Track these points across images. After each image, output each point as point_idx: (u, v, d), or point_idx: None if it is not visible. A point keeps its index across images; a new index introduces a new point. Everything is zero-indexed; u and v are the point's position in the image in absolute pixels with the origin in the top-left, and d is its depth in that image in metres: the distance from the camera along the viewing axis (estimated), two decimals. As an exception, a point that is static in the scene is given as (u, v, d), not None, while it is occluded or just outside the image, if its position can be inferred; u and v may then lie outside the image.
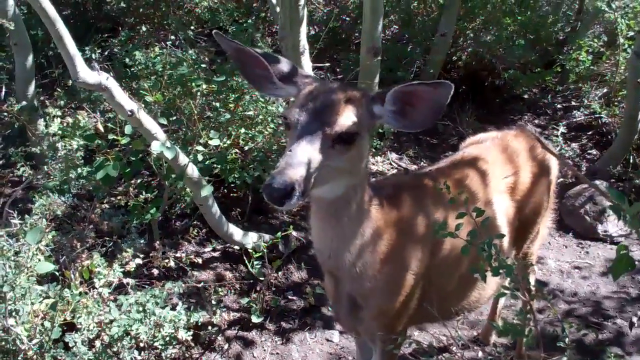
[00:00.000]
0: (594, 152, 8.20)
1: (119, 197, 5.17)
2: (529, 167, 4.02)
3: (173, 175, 4.87)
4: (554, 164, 4.29)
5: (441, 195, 3.17)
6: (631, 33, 7.91)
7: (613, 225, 6.78)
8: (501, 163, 3.94)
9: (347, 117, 2.76)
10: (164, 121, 4.81)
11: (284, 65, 3.11)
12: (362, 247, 3.12)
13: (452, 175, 3.70)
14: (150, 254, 4.91)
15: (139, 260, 4.45)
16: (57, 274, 4.20)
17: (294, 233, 5.72)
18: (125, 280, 4.35)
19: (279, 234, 5.28)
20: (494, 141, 4.14)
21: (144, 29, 7.76)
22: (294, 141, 2.69)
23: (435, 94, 2.73)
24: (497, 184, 3.83)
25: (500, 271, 2.65)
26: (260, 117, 5.91)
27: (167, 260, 4.92)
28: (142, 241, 5.17)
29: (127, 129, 4.58)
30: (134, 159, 4.79)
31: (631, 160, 7.49)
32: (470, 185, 3.69)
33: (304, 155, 2.62)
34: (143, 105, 4.77)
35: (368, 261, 3.16)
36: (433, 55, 8.65)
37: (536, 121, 8.97)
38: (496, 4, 8.88)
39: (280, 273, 5.74)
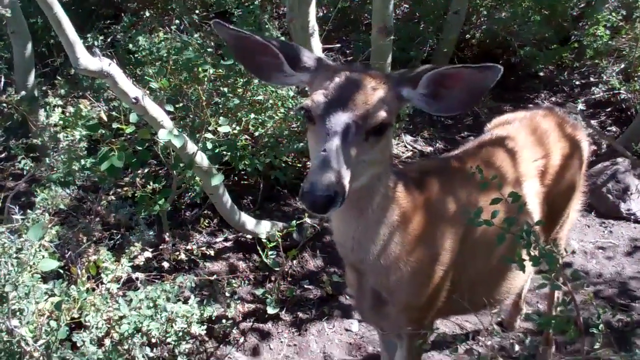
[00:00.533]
0: (613, 129, 7.97)
1: (125, 189, 4.96)
2: (559, 148, 3.81)
3: (181, 165, 4.67)
4: (585, 144, 4.10)
5: (469, 178, 3.00)
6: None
7: (637, 204, 6.56)
8: (531, 145, 3.73)
9: (379, 107, 2.53)
10: (170, 108, 4.62)
11: (293, 50, 2.84)
12: (387, 237, 2.92)
13: (480, 159, 3.51)
14: (160, 247, 4.71)
15: (148, 254, 4.25)
16: (61, 271, 4.01)
17: (309, 220, 5.50)
18: (134, 275, 4.15)
19: (293, 222, 5.05)
20: (522, 122, 3.94)
21: (147, 14, 7.51)
22: (324, 138, 2.44)
23: (479, 77, 2.53)
24: (527, 168, 3.63)
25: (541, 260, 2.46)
26: (270, 101, 5.70)
27: (177, 253, 4.72)
28: (151, 233, 5.01)
29: (132, 117, 4.39)
30: (140, 148, 4.57)
31: (653, 137, 7.17)
32: (499, 169, 3.49)
33: (340, 154, 2.39)
34: (148, 92, 4.56)
35: (394, 252, 2.96)
36: (446, 34, 8.39)
37: (553, 99, 8.74)
38: (509, -21, 8.62)
39: (295, 262, 5.55)
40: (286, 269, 5.31)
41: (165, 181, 5.13)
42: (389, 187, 2.89)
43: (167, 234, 4.86)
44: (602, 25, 8.12)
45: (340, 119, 2.46)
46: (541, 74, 9.09)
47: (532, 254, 2.49)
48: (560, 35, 8.99)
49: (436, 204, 3.15)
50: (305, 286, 5.42)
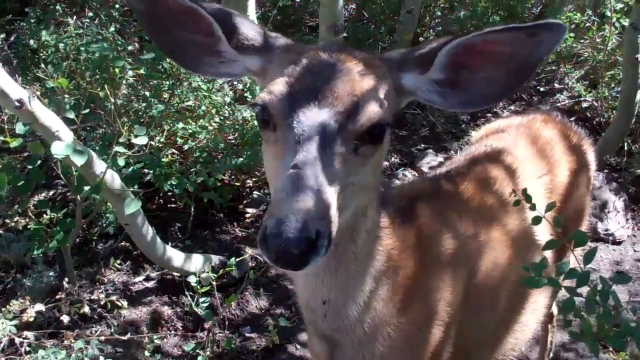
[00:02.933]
0: (580, 139, 7.34)
1: (16, 219, 3.92)
2: (566, 162, 3.27)
3: (87, 188, 3.64)
4: (592, 157, 3.58)
5: (466, 204, 2.65)
6: (620, 5, 7.01)
7: (615, 223, 5.97)
8: (533, 159, 3.17)
9: (372, 100, 1.80)
10: (71, 115, 3.62)
11: (233, 21, 2.01)
12: (372, 294, 2.21)
13: (474, 177, 2.90)
14: (57, 297, 3.67)
15: (40, 307, 3.23)
16: None
17: (250, 251, 4.56)
18: (19, 339, 3.14)
19: (231, 260, 4.02)
20: (519, 130, 3.34)
21: (58, 7, 6.52)
22: (293, 148, 1.70)
23: (529, 44, 1.76)
24: (531, 187, 2.87)
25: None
26: (203, 108, 4.97)
27: (79, 305, 3.67)
28: (51, 274, 4.04)
29: (19, 127, 3.37)
30: (31, 167, 3.54)
31: (626, 148, 6.70)
32: (499, 190, 2.87)
33: (322, 173, 1.65)
34: (38, 93, 3.55)
35: (381, 313, 2.25)
36: (400, 35, 7.82)
37: (512, 107, 8.21)
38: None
39: (233, 303, 4.56)
40: (223, 314, 4.33)
41: (70, 206, 4.10)
42: (376, 223, 2.17)
43: (66, 279, 3.80)
44: (565, 26, 7.49)
45: (315, 118, 1.73)
46: (497, 80, 8.49)
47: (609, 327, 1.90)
48: (520, 38, 8.43)
49: (431, 242, 2.48)
50: (247, 334, 4.48)
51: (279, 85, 1.78)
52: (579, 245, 1.96)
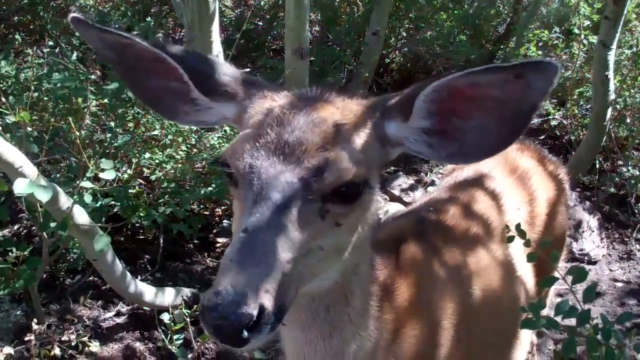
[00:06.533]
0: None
1: (-21, 257, 3.77)
2: (544, 191, 3.24)
3: (53, 224, 3.48)
4: (567, 185, 3.54)
5: (452, 236, 2.55)
6: (587, 22, 7.01)
7: (590, 242, 5.93)
8: (512, 189, 3.11)
9: (345, 155, 1.60)
10: (35, 149, 3.47)
11: (206, 65, 1.85)
12: (372, 357, 2.01)
13: (455, 209, 2.82)
14: (25, 338, 3.51)
15: (9, 349, 3.10)
16: None
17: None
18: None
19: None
20: (495, 159, 3.21)
21: (17, 37, 6.36)
22: (249, 210, 1.53)
23: (518, 87, 1.51)
24: (512, 218, 2.90)
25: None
26: (169, 137, 4.78)
27: (49, 347, 3.52)
28: (18, 312, 3.88)
29: (-19, 165, 3.22)
30: (-6, 205, 3.40)
31: (597, 166, 6.68)
32: (480, 222, 2.80)
33: (277, 239, 1.47)
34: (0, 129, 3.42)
35: None
36: (365, 57, 7.70)
37: (479, 129, 8.04)
38: (427, -2, 8.23)
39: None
40: (198, 348, 4.19)
41: (35, 242, 3.94)
42: (370, 279, 2.00)
43: (35, 320, 3.63)
44: (533, 45, 7.46)
45: (276, 175, 1.56)
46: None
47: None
48: (485, 58, 8.49)
49: (427, 290, 2.29)
50: (223, 371, 4.28)
51: (243, 140, 1.64)
52: (578, 282, 1.86)
